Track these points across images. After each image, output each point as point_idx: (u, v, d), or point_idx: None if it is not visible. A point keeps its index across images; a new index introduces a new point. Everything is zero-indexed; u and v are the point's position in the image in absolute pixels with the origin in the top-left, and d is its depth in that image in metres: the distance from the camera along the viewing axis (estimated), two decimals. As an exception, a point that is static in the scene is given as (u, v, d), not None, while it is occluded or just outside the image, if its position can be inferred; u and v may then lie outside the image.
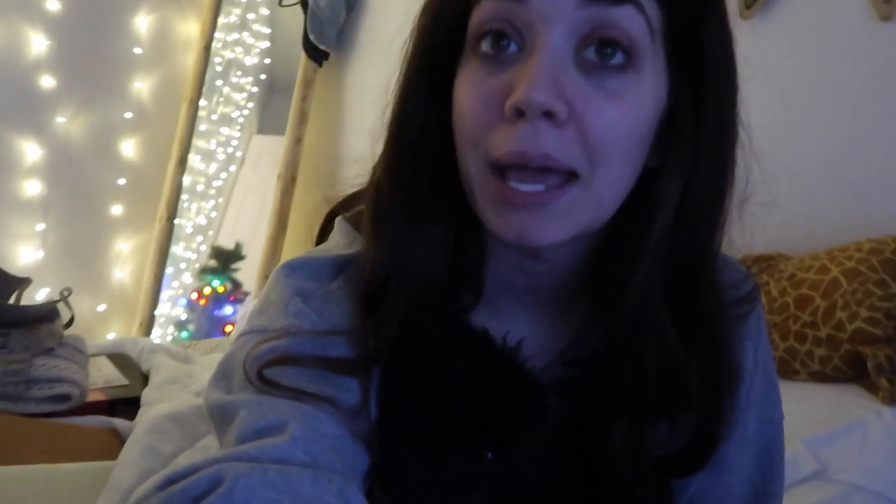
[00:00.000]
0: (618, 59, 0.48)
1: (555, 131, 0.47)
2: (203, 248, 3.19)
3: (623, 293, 0.52)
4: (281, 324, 0.54)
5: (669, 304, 0.53)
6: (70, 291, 1.30)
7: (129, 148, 2.50)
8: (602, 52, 0.47)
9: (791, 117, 1.73)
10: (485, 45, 0.49)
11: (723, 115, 0.52)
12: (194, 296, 3.01)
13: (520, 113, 0.46)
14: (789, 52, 1.74)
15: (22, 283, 1.40)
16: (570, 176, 0.48)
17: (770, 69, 1.73)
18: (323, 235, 0.65)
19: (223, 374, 0.55)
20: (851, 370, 1.33)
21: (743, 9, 1.78)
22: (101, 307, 2.48)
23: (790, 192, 1.69)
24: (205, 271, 3.04)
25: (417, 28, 0.54)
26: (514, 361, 0.54)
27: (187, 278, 3.11)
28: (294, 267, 0.60)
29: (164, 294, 2.90)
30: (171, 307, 3.01)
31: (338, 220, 0.62)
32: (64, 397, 1.15)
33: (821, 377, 1.37)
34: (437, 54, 0.52)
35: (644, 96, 0.49)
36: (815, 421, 1.25)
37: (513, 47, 0.48)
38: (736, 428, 0.56)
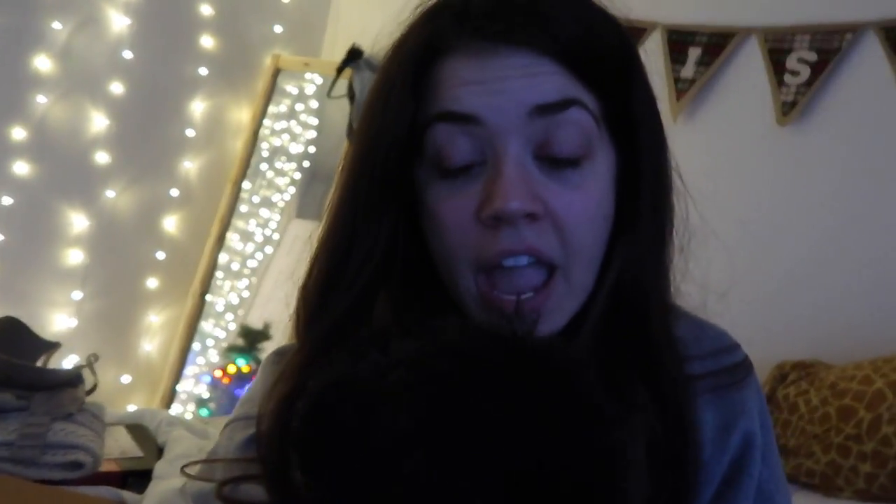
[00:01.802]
0: (571, 151, 0.52)
1: (534, 227, 0.51)
2: (232, 326, 3.21)
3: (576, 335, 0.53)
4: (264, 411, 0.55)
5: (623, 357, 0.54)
6: (97, 357, 1.31)
7: (170, 224, 2.59)
8: (556, 151, 0.51)
9: (835, 224, 1.72)
10: (448, 164, 0.52)
11: (658, 172, 0.56)
12: (218, 373, 3.01)
13: (499, 219, 0.50)
14: (829, 159, 1.76)
15: (51, 347, 1.42)
16: (551, 270, 0.52)
17: (810, 175, 1.77)
18: None
19: (210, 462, 0.57)
20: (900, 491, 1.25)
21: (780, 116, 1.81)
22: (126, 379, 2.49)
23: (832, 300, 1.65)
24: (231, 350, 3.04)
25: (363, 140, 0.56)
26: None
27: (213, 356, 3.12)
28: (281, 353, 0.62)
29: (189, 370, 2.91)
30: (195, 384, 3.00)
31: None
32: (77, 465, 1.14)
33: (867, 496, 1.28)
34: (387, 166, 0.54)
35: (601, 179, 0.54)
36: (862, 545, 1.16)
37: (474, 161, 0.51)
38: (759, 498, 0.56)
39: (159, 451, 1.32)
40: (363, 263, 0.54)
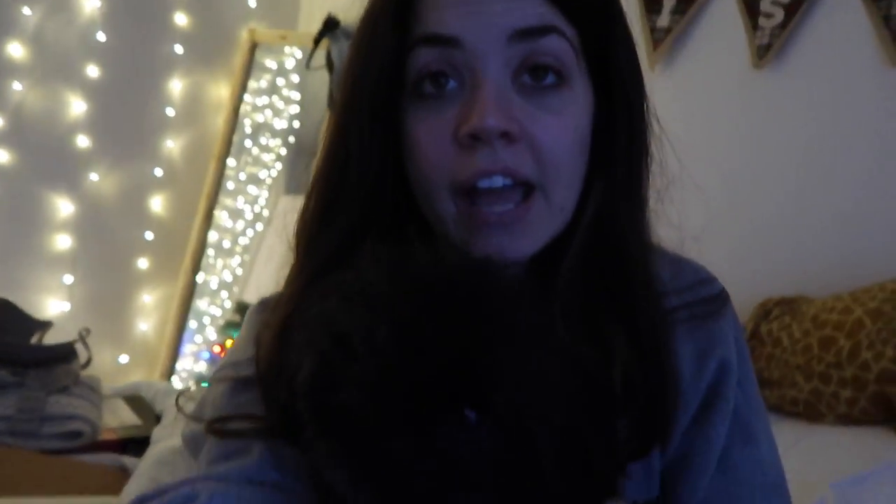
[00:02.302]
0: (550, 79, 0.53)
1: (510, 149, 0.52)
2: (228, 304, 3.23)
3: (553, 279, 0.54)
4: (249, 354, 0.57)
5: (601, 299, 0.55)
6: (88, 332, 1.33)
7: (157, 204, 2.59)
8: (536, 75, 0.53)
9: (812, 166, 1.74)
10: (427, 87, 0.53)
11: (635, 113, 0.57)
12: (217, 349, 3.03)
13: (476, 138, 0.51)
14: (805, 101, 1.77)
15: (43, 326, 1.43)
16: (529, 188, 0.53)
17: (787, 118, 1.78)
18: None
19: (200, 407, 0.58)
20: (880, 412, 1.28)
21: (756, 59, 1.81)
22: (124, 359, 2.51)
23: (815, 237, 1.68)
24: (228, 326, 3.07)
25: (350, 76, 0.57)
26: None
27: (210, 333, 3.14)
28: (265, 304, 0.63)
29: (187, 348, 2.93)
30: (194, 362, 3.03)
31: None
32: (76, 434, 1.16)
33: (848, 420, 1.32)
34: (375, 98, 0.55)
35: (579, 108, 0.55)
36: (842, 465, 1.20)
37: (452, 84, 0.53)
38: (735, 422, 0.58)
39: (157, 420, 1.34)
40: (357, 191, 0.55)
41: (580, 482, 0.41)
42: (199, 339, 3.14)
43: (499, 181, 0.52)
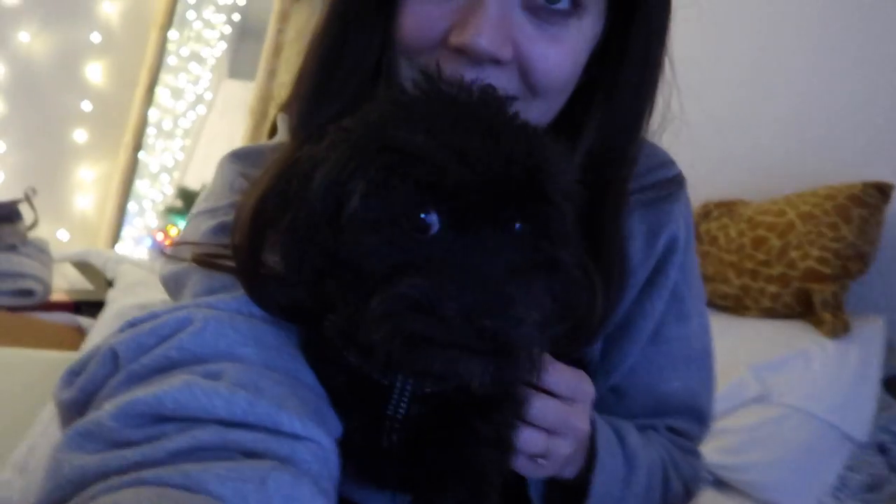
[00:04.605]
0: (564, 3, 0.50)
1: (497, 69, 0.49)
2: (168, 189, 3.13)
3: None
4: (228, 200, 0.56)
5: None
6: (35, 191, 1.28)
7: (95, 72, 2.44)
8: None
9: (757, 73, 1.79)
10: None
11: (652, 46, 0.54)
12: (160, 236, 2.96)
13: (465, 53, 0.48)
14: (770, 9, 1.79)
15: (-17, 185, 1.37)
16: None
17: (729, 24, 1.80)
18: (273, 134, 0.66)
19: (176, 251, 0.57)
20: (800, 306, 1.39)
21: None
22: (63, 235, 2.43)
23: (757, 142, 1.75)
24: (169, 211, 2.99)
25: None
26: None
27: (151, 218, 3.06)
28: (238, 155, 0.62)
29: (127, 232, 2.85)
30: (135, 246, 2.96)
31: (279, 115, 0.63)
32: (27, 292, 1.14)
33: (771, 313, 1.43)
34: None
35: (583, 39, 0.52)
36: (762, 352, 1.31)
37: None
38: (672, 299, 0.61)
39: (109, 286, 1.33)
40: (353, 71, 0.53)
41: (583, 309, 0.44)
42: (139, 222, 3.06)
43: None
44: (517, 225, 0.37)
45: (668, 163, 0.64)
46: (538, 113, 0.52)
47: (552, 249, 0.37)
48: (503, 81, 0.49)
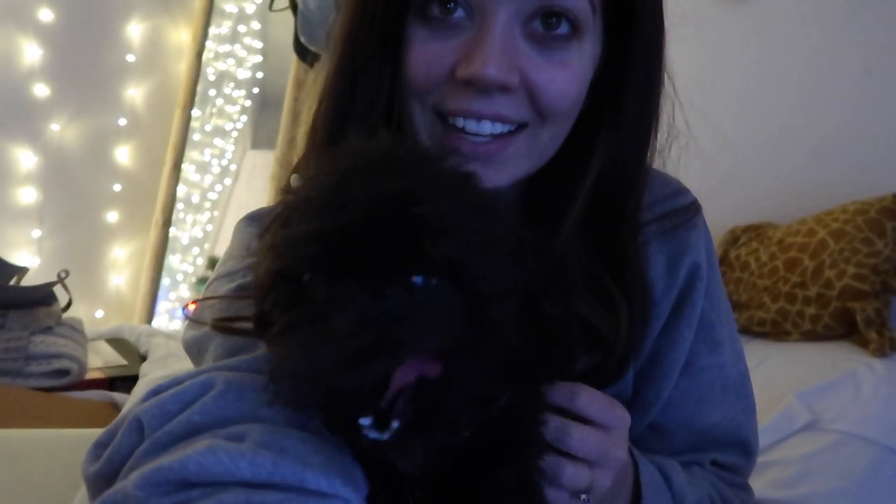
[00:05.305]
0: (563, 29, 0.51)
1: (505, 97, 0.50)
2: (199, 260, 3.20)
3: (556, 230, 0.54)
4: (245, 263, 0.57)
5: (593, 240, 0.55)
6: (67, 273, 1.31)
7: (123, 154, 2.53)
8: (548, 22, 0.51)
9: (786, 103, 1.78)
10: (434, 10, 0.51)
11: (651, 66, 0.55)
12: (192, 307, 3.01)
13: (474, 84, 0.50)
14: (776, 28, 1.79)
15: (19, 270, 1.41)
16: (521, 126, 0.52)
17: (756, 51, 1.80)
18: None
19: (198, 314, 0.59)
20: (842, 327, 1.35)
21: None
22: (99, 314, 2.49)
23: (779, 164, 1.73)
24: (201, 282, 3.05)
25: None
26: None
27: (184, 291, 3.12)
28: (254, 218, 0.64)
29: (161, 307, 2.90)
30: (169, 320, 3.01)
31: (293, 176, 0.64)
32: (63, 372, 1.16)
33: (812, 336, 1.38)
34: (386, 17, 0.53)
35: (585, 61, 0.53)
36: (807, 377, 1.27)
37: (460, 13, 0.51)
38: (701, 327, 0.60)
39: (142, 360, 1.35)
40: (365, 117, 0.54)
41: (541, 345, 0.42)
42: (172, 296, 3.12)
43: (487, 127, 0.51)
44: (416, 278, 0.35)
45: (681, 191, 0.64)
46: (548, 138, 0.53)
47: (472, 303, 0.35)
48: (513, 108, 0.51)
